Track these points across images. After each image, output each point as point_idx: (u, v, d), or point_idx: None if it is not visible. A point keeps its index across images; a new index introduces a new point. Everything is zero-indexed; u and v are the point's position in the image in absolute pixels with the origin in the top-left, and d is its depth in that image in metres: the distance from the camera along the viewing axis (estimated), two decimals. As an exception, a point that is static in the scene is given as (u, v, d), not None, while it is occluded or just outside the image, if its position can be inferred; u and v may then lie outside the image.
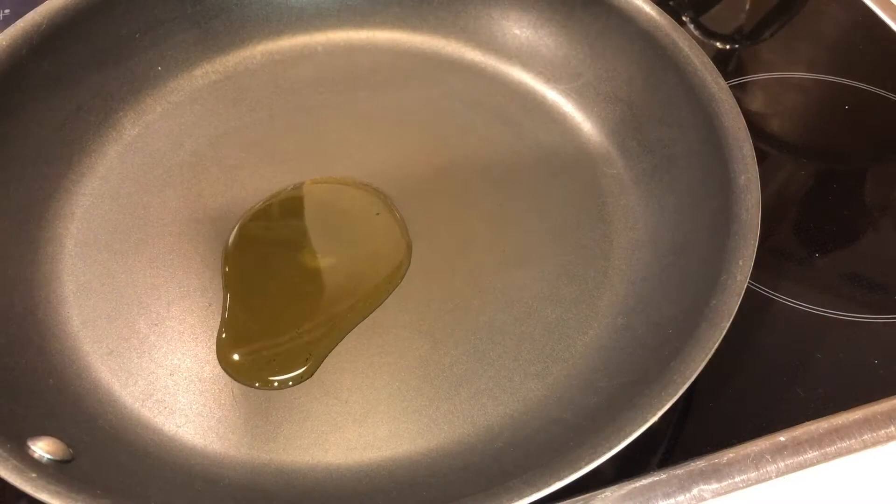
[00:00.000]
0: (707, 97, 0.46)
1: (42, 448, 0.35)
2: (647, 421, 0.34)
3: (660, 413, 0.34)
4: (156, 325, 0.45)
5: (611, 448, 0.33)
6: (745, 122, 0.45)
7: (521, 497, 0.32)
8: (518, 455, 0.38)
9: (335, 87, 0.57)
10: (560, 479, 0.32)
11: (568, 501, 0.39)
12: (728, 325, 0.37)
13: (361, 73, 0.57)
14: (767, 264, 0.49)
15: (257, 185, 0.51)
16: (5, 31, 0.49)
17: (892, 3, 0.66)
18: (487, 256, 0.48)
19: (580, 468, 0.33)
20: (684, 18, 0.67)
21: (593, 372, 0.42)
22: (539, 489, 0.32)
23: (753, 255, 0.40)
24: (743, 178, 0.43)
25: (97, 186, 0.51)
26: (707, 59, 0.48)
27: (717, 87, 0.46)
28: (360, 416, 0.41)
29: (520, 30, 0.57)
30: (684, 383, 0.35)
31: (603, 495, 0.39)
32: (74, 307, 0.45)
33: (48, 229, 0.48)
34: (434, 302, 0.46)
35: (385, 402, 0.42)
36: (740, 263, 0.39)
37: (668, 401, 0.34)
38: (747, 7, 0.68)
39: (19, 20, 0.50)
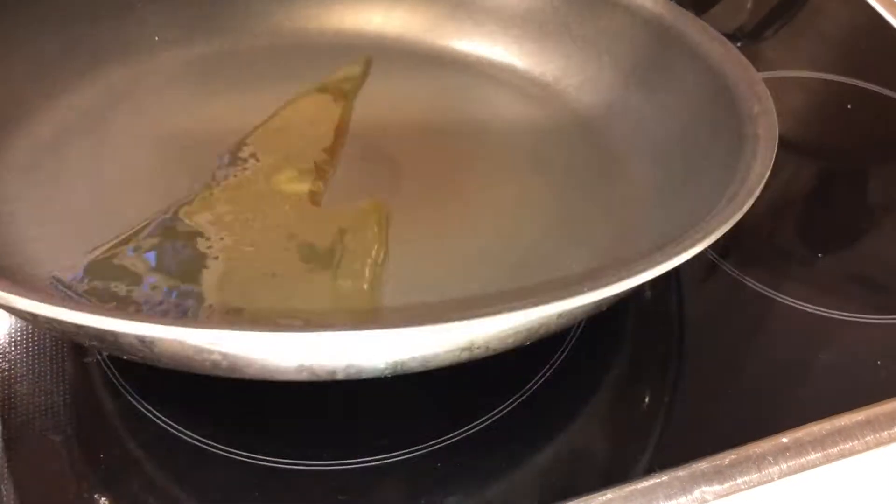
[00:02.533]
0: (706, 52, 0.48)
1: None
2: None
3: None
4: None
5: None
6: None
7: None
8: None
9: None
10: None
11: (568, 502, 0.38)
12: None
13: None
14: (769, 264, 0.49)
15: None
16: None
17: (894, 2, 0.66)
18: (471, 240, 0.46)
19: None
20: (684, 18, 0.67)
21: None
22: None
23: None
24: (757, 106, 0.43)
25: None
26: (718, 35, 0.49)
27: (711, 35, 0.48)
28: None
29: (522, 22, 0.57)
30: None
31: (603, 497, 0.38)
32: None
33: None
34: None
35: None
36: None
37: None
38: (749, 5, 0.69)
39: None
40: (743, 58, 0.47)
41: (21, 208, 0.44)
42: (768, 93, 0.42)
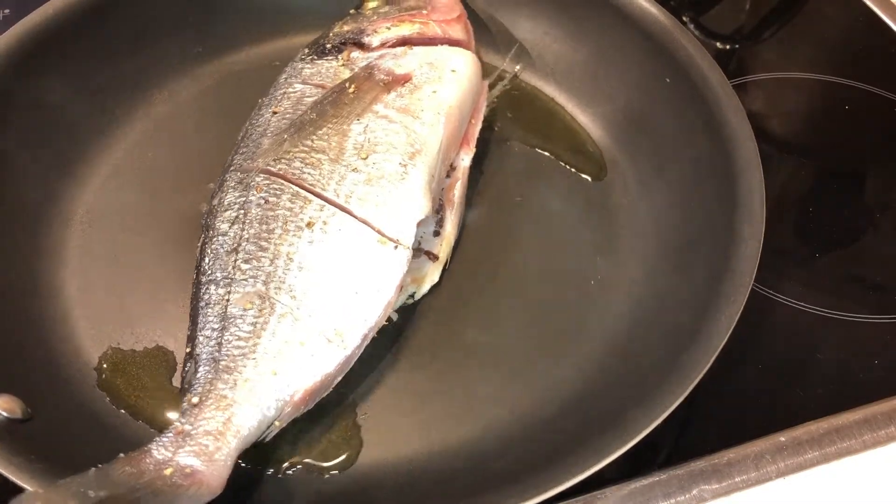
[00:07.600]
0: (721, 122, 0.45)
1: None
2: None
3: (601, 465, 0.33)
4: (148, 302, 0.45)
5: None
6: (760, 161, 0.43)
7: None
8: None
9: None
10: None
11: (569, 501, 0.38)
12: (702, 375, 0.36)
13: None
14: (768, 264, 0.47)
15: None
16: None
17: (891, 3, 0.64)
18: (476, 273, 0.47)
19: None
20: (684, 18, 0.65)
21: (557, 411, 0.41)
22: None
23: (744, 301, 0.39)
24: (747, 229, 0.42)
25: (119, 158, 0.52)
26: (724, 78, 0.47)
27: (731, 107, 0.45)
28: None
29: (534, 34, 0.56)
30: (639, 434, 0.34)
31: (603, 495, 0.38)
32: (75, 274, 0.46)
33: (64, 198, 0.49)
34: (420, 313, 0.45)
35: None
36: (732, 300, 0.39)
37: (617, 450, 0.34)
38: (747, 7, 0.67)
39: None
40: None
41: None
42: (763, 197, 0.42)
